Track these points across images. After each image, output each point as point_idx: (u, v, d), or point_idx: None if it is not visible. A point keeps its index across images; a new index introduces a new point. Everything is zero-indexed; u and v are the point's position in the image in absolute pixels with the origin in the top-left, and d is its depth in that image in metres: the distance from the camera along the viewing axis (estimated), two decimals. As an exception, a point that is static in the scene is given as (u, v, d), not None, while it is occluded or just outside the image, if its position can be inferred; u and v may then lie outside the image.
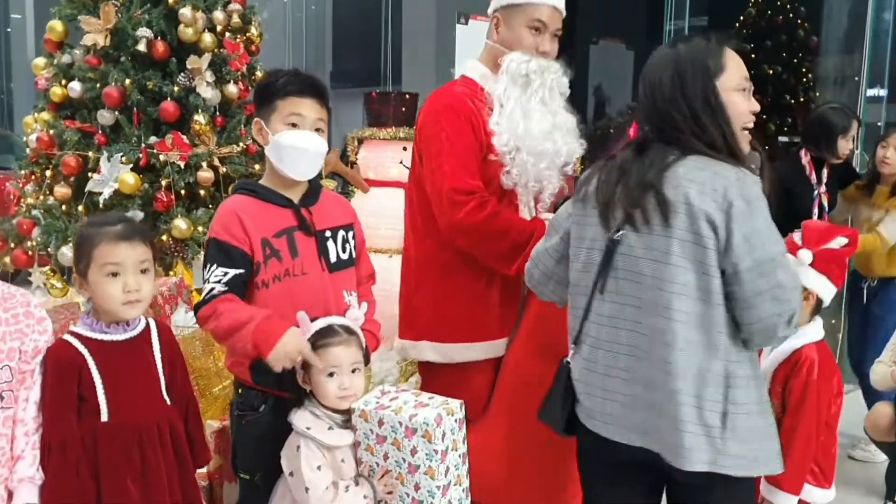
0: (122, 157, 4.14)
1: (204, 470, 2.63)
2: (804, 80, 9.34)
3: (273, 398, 2.17)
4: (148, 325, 2.02)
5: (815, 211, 4.01)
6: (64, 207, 4.29)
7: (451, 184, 2.43)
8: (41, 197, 4.41)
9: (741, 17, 9.72)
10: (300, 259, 2.16)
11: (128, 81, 4.24)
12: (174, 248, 4.14)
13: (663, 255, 1.74)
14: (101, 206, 4.14)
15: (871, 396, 3.76)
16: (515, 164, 2.46)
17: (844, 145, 4.04)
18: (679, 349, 1.71)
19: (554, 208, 2.59)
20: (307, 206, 2.24)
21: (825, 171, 4.06)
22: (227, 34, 4.57)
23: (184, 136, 4.25)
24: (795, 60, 9.37)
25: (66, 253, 4.07)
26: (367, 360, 2.15)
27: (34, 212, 4.36)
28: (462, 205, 2.41)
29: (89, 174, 4.20)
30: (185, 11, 4.30)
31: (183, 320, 3.44)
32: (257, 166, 4.53)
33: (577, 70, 2.79)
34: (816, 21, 9.11)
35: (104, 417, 1.88)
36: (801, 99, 9.29)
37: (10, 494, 1.83)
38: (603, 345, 1.88)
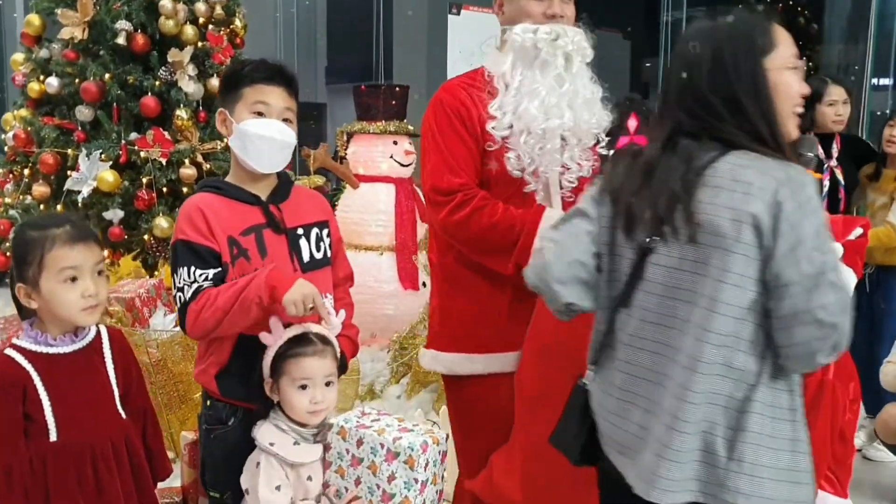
0: (101, 154, 4.03)
1: (178, 484, 2.50)
2: (806, 68, 9.25)
3: (242, 411, 2.03)
4: (99, 332, 1.87)
5: (826, 183, 3.91)
6: (43, 207, 4.18)
7: (430, 182, 2.27)
8: (19, 196, 4.29)
9: (740, 6, 9.63)
10: (270, 259, 2.02)
11: (107, 76, 4.14)
12: (156, 247, 4.02)
13: (700, 267, 1.54)
14: (80, 205, 4.03)
15: (872, 396, 3.64)
16: (514, 147, 2.22)
17: (827, 112, 3.94)
18: (703, 374, 1.52)
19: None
20: (276, 202, 2.10)
21: (834, 146, 3.96)
22: (210, 26, 4.46)
23: (165, 132, 4.15)
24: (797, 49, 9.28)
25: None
26: (342, 370, 2.01)
27: (12, 211, 4.24)
28: (441, 205, 2.24)
29: (68, 172, 4.09)
30: (166, 3, 4.19)
31: (161, 323, 3.32)
32: (242, 162, 4.41)
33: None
34: (818, 9, 9.00)
35: (53, 437, 1.74)
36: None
37: None
38: (621, 366, 1.67)
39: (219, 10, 4.49)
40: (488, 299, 2.31)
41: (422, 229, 5.08)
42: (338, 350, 1.99)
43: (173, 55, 4.19)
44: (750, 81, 1.56)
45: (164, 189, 4.12)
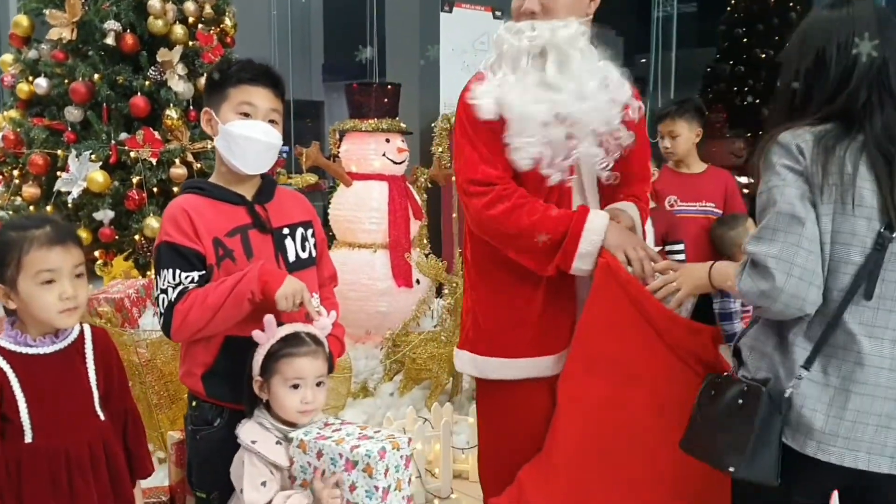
0: (91, 154, 4.01)
1: (165, 484, 2.50)
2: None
3: (228, 412, 2.02)
4: (82, 332, 1.87)
5: None
6: (32, 208, 4.16)
7: (465, 175, 2.20)
8: (9, 198, 4.28)
9: (732, 1, 9.60)
10: (256, 259, 2.01)
11: (96, 76, 4.13)
12: (147, 247, 4.00)
13: None
14: (70, 205, 4.01)
15: None
16: (516, 136, 2.15)
17: None
18: None
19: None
20: (262, 202, 2.10)
21: None
22: (200, 25, 4.44)
23: (155, 132, 4.13)
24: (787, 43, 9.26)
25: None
26: (330, 369, 2.01)
27: (1, 213, 4.22)
28: (477, 196, 2.16)
29: (58, 173, 4.08)
30: (155, 3, 4.18)
31: (151, 324, 3.31)
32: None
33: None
34: (807, 4, 8.99)
35: (28, 438, 1.73)
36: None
37: None
38: (868, 359, 1.65)
39: (208, 10, 4.47)
40: (524, 301, 2.25)
41: (415, 227, 5.07)
42: (328, 351, 1.99)
43: (163, 55, 4.18)
44: None
45: (155, 189, 4.11)
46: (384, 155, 4.94)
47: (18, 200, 4.21)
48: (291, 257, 2.10)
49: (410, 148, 5.25)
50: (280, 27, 12.62)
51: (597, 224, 2.11)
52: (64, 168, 4.05)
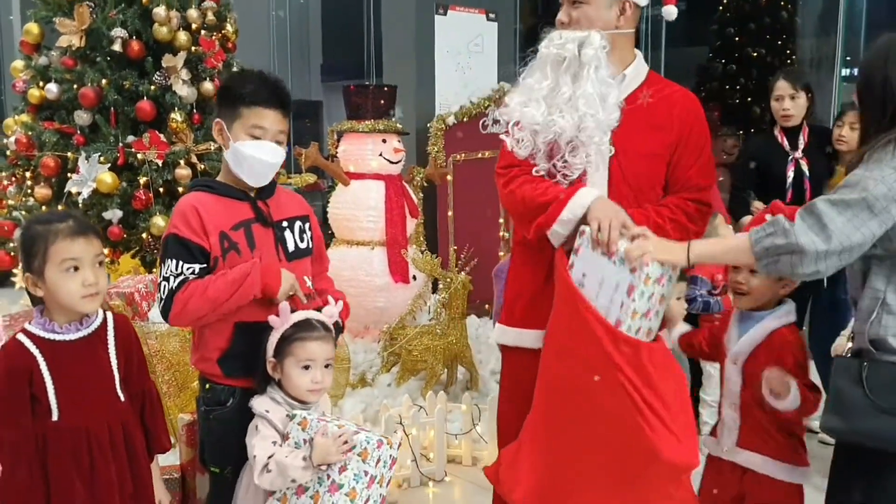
0: (100, 156, 4.20)
1: (177, 462, 2.67)
2: (789, 62, 9.36)
3: (240, 392, 2.21)
4: (105, 320, 2.05)
5: (791, 174, 4.06)
6: (44, 208, 4.34)
7: (498, 162, 2.44)
8: (22, 198, 4.46)
9: (724, 1, 9.74)
10: (258, 251, 2.20)
11: (104, 81, 4.31)
12: (154, 245, 4.19)
13: None
14: (80, 205, 4.19)
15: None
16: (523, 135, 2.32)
17: (774, 106, 4.14)
18: None
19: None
20: (263, 198, 2.28)
21: (801, 137, 4.11)
22: (203, 32, 4.62)
23: (161, 135, 4.32)
24: (780, 42, 9.39)
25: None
26: (338, 333, 2.24)
27: (15, 213, 4.41)
28: (500, 177, 2.40)
29: (68, 174, 4.26)
30: (160, 10, 4.35)
31: (160, 317, 3.48)
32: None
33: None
34: (793, 2, 9.14)
35: (54, 417, 1.91)
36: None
37: None
38: None
39: (210, 16, 4.64)
40: (530, 277, 2.42)
41: (411, 224, 5.24)
42: (335, 337, 2.19)
43: (167, 60, 4.36)
44: None
45: (161, 189, 4.29)
46: (381, 155, 5.10)
47: (31, 201, 4.40)
48: (291, 248, 2.29)
49: (407, 148, 5.41)
50: (279, 27, 12.77)
51: (585, 197, 2.23)
52: (74, 170, 4.23)
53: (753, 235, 1.96)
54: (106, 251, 4.15)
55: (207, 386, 2.27)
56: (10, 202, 4.52)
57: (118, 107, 4.33)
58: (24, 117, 4.53)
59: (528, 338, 2.41)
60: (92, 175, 4.17)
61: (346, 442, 1.98)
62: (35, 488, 1.88)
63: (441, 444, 3.62)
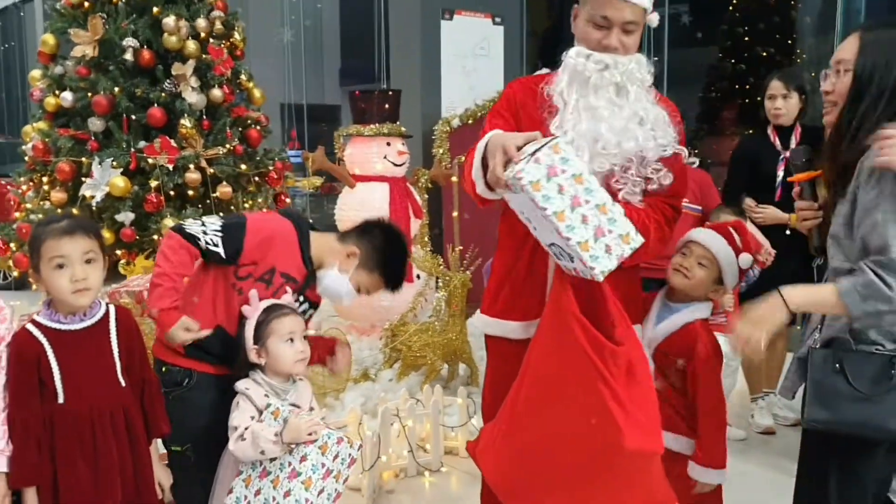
0: (112, 161, 4.35)
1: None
2: (798, 61, 9.39)
3: (196, 373, 2.37)
4: (107, 312, 2.21)
5: (780, 173, 4.15)
6: (60, 211, 4.50)
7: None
8: (39, 202, 4.64)
9: (734, 1, 9.78)
10: (276, 296, 2.41)
11: (116, 89, 4.46)
12: (164, 246, 4.34)
13: None
14: (94, 208, 4.36)
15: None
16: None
17: (767, 105, 4.25)
18: None
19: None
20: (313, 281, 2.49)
21: (793, 137, 4.20)
22: (211, 40, 4.75)
23: (171, 140, 4.45)
24: (789, 42, 9.43)
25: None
26: None
27: (33, 216, 4.58)
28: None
29: (83, 179, 4.42)
30: (169, 21, 4.50)
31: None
32: (243, 166, 4.73)
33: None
34: (800, 1, 9.18)
35: (60, 400, 2.09)
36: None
37: None
38: None
39: (218, 25, 4.78)
40: (506, 269, 2.47)
41: (415, 225, 5.39)
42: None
43: (177, 69, 4.50)
44: None
45: (171, 192, 4.44)
46: (385, 158, 5.26)
47: (47, 204, 4.56)
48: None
49: (414, 150, 5.55)
50: (294, 32, 12.95)
51: (485, 140, 2.19)
52: (88, 174, 4.39)
53: (847, 298, 1.98)
54: (119, 253, 4.38)
55: (164, 369, 2.42)
56: (28, 206, 4.70)
57: (130, 114, 4.48)
58: (41, 124, 4.69)
59: (511, 328, 2.47)
60: (105, 179, 4.32)
61: (315, 426, 2.14)
62: (43, 465, 2.05)
63: (437, 435, 3.76)
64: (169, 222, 4.30)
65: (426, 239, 5.63)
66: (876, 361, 2.01)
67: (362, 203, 5.17)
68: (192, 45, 4.58)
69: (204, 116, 4.63)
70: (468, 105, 6.17)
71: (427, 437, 3.81)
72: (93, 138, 4.49)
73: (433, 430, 3.75)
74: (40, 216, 4.56)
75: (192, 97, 4.54)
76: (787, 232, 4.05)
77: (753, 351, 2.04)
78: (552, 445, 2.17)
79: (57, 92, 4.64)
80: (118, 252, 4.45)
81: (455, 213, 5.81)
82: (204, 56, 4.67)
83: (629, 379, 2.10)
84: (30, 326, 2.11)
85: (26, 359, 2.06)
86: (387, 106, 5.42)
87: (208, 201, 4.52)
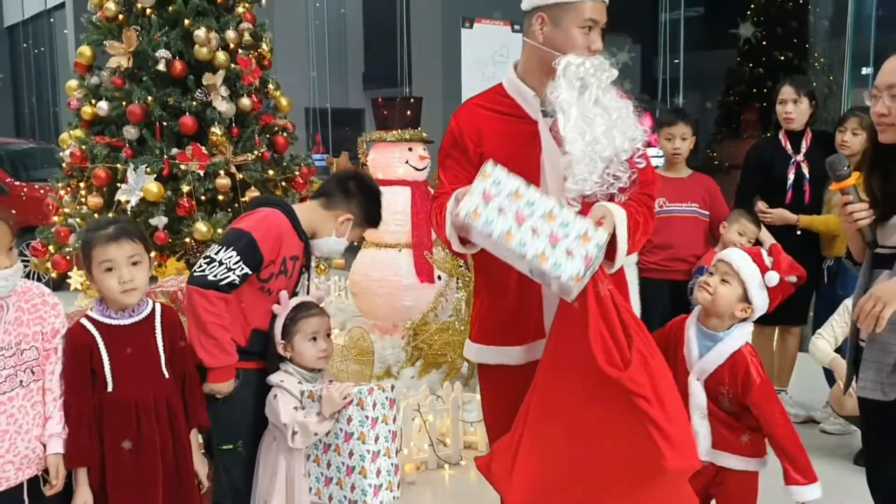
0: (146, 168, 4.54)
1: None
2: (816, 65, 9.47)
3: (241, 372, 2.53)
4: (154, 309, 2.40)
5: (791, 177, 4.24)
6: (97, 215, 4.71)
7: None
8: (77, 206, 4.84)
9: (752, 5, 9.87)
10: (292, 279, 2.61)
11: (150, 99, 4.65)
12: (196, 249, 4.53)
13: None
14: (128, 213, 4.55)
15: (831, 374, 3.97)
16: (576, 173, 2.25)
17: (778, 109, 4.33)
18: None
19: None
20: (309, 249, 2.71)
21: (804, 141, 4.28)
22: (240, 51, 4.93)
23: (202, 147, 4.65)
24: (807, 46, 9.52)
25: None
26: None
27: (70, 220, 4.79)
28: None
29: (118, 184, 4.62)
30: (200, 32, 4.68)
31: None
32: (271, 172, 4.92)
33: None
34: (816, 6, 9.25)
35: (109, 389, 2.28)
36: (814, 84, 9.43)
37: (44, 446, 2.24)
38: None
39: (247, 37, 4.96)
40: (496, 298, 2.44)
41: (436, 227, 5.53)
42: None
43: (207, 78, 4.69)
44: None
45: (203, 197, 4.63)
46: (407, 162, 5.41)
47: (84, 209, 4.77)
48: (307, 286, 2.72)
49: (433, 155, 5.69)
50: (318, 36, 13.12)
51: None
52: (123, 180, 4.59)
53: None
54: (153, 255, 4.57)
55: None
56: (66, 210, 4.91)
57: (163, 122, 4.67)
58: (78, 132, 4.90)
59: (509, 355, 2.44)
60: (139, 185, 4.52)
61: (346, 394, 2.32)
62: (94, 448, 2.24)
63: (456, 430, 3.91)
64: (201, 226, 4.49)
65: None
66: None
67: (385, 206, 5.27)
68: (221, 56, 4.76)
69: (233, 124, 4.81)
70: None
71: (447, 431, 3.96)
72: (127, 146, 4.69)
73: (453, 426, 3.91)
74: (77, 220, 4.77)
75: (222, 106, 4.72)
76: (798, 232, 4.17)
77: (879, 325, 2.13)
78: (588, 469, 2.18)
79: (93, 101, 4.84)
80: (151, 255, 4.64)
81: (475, 217, 5.91)
82: (233, 66, 4.85)
83: (656, 395, 2.10)
84: (83, 321, 2.30)
85: (80, 350, 2.26)
86: (408, 112, 5.57)
87: (237, 205, 4.70)
